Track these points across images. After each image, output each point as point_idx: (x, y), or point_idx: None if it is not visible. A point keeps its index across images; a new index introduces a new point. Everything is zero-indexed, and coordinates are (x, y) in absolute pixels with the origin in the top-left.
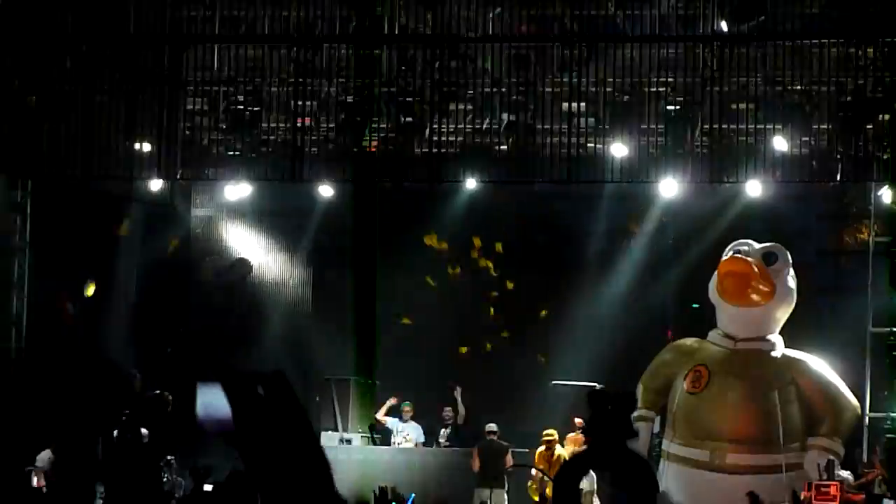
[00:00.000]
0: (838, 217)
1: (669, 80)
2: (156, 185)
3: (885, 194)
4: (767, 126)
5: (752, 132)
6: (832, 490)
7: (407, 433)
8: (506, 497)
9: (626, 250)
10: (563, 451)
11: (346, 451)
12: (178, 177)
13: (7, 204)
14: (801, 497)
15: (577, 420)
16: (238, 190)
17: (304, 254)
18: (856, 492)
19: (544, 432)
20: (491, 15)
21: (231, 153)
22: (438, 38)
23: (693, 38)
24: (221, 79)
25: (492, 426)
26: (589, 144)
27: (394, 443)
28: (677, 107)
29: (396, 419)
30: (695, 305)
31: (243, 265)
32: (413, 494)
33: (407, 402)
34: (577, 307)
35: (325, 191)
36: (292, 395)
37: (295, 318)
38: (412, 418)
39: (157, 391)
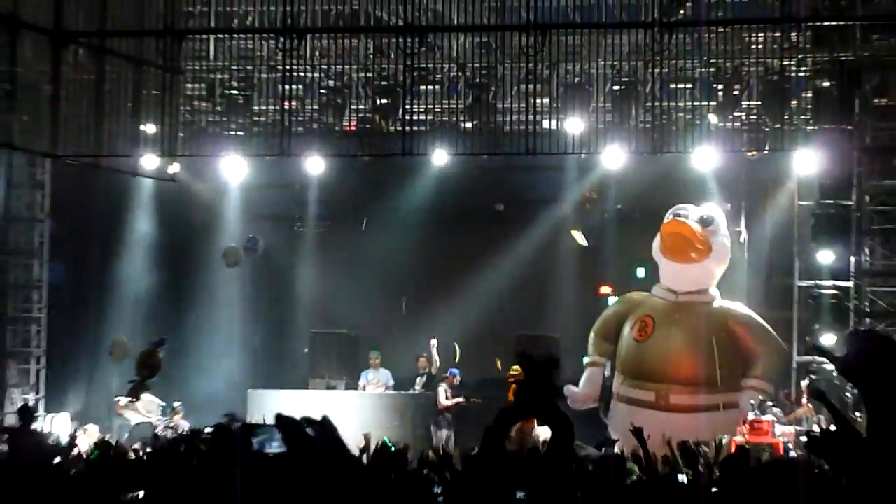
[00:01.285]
0: (768, 183)
1: (615, 63)
2: (159, 162)
3: (808, 162)
4: (703, 103)
5: (689, 109)
6: (765, 426)
7: (377, 380)
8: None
9: (578, 216)
10: None
11: (332, 395)
12: (179, 154)
13: (29, 181)
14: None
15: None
16: (236, 166)
17: (293, 221)
18: (786, 426)
19: (510, 370)
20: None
21: (226, 133)
22: (410, 28)
23: (635, 25)
24: (216, 67)
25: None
26: (545, 122)
27: (360, 387)
28: (622, 87)
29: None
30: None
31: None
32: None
33: (375, 350)
34: (529, 265)
35: (315, 166)
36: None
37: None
38: (381, 366)
39: None
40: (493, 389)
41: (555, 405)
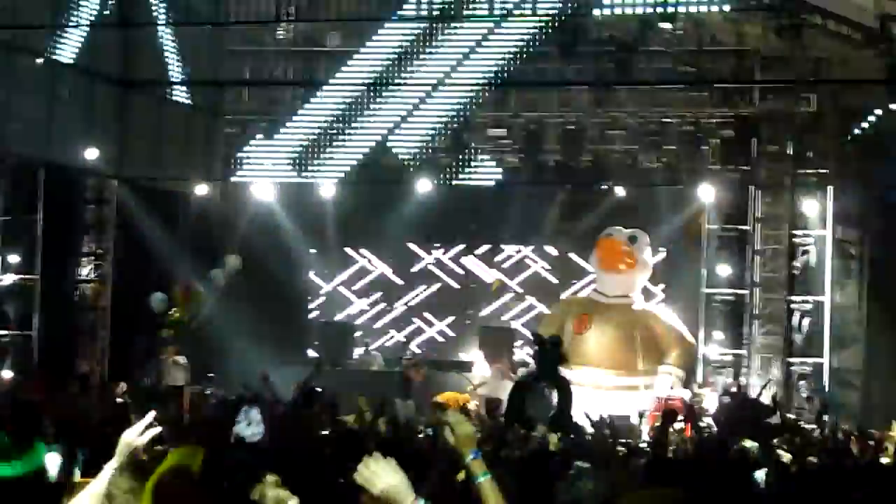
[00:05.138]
0: (683, 211)
1: (564, 112)
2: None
3: (713, 194)
4: (633, 147)
5: (621, 151)
6: (676, 402)
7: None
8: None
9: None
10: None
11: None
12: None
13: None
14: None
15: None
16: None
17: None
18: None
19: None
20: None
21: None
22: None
23: (582, 83)
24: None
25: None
26: (508, 158)
27: None
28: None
29: None
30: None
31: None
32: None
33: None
34: None
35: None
36: None
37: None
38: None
39: None
40: None
41: (560, 374)
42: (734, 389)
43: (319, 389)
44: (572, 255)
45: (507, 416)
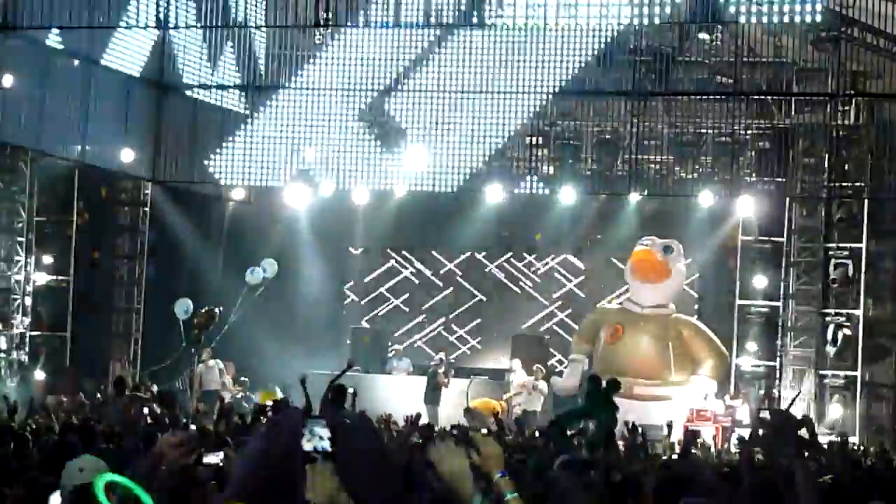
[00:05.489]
0: (718, 222)
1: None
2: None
3: (749, 206)
4: (670, 157)
5: (657, 161)
6: (708, 413)
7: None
8: (438, 412)
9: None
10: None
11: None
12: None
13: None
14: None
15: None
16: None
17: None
18: (724, 416)
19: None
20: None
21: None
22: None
23: (618, 94)
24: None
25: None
26: (543, 167)
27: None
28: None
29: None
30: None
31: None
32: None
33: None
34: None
35: (360, 196)
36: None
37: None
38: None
39: None
40: None
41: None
42: (768, 403)
43: (351, 390)
44: (608, 263)
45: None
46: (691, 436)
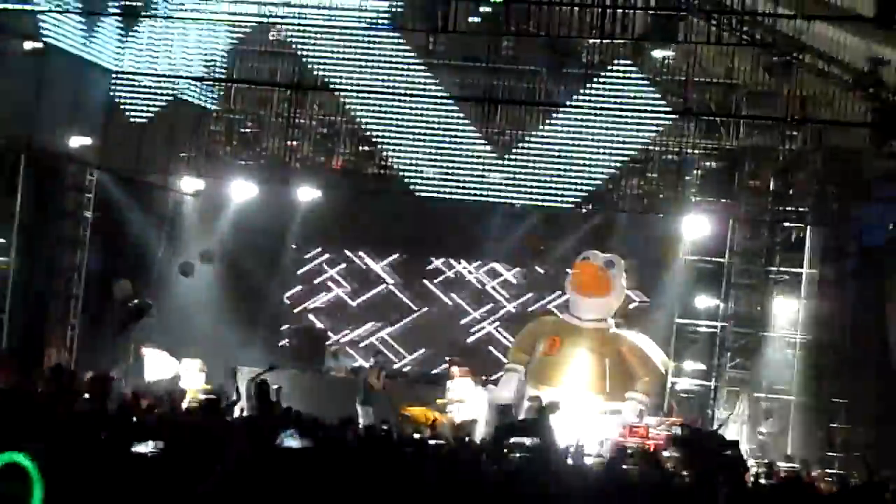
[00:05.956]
0: (662, 239)
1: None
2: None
3: (694, 226)
4: (615, 172)
5: (604, 175)
6: (642, 430)
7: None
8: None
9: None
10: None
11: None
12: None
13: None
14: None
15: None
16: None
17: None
18: (658, 433)
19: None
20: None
21: (241, 162)
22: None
23: (556, 105)
24: (235, 110)
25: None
26: (491, 174)
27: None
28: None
29: None
30: None
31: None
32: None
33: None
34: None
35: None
36: None
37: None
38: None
39: None
40: None
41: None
42: (689, 422)
43: (276, 387)
44: (549, 275)
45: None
46: (621, 449)
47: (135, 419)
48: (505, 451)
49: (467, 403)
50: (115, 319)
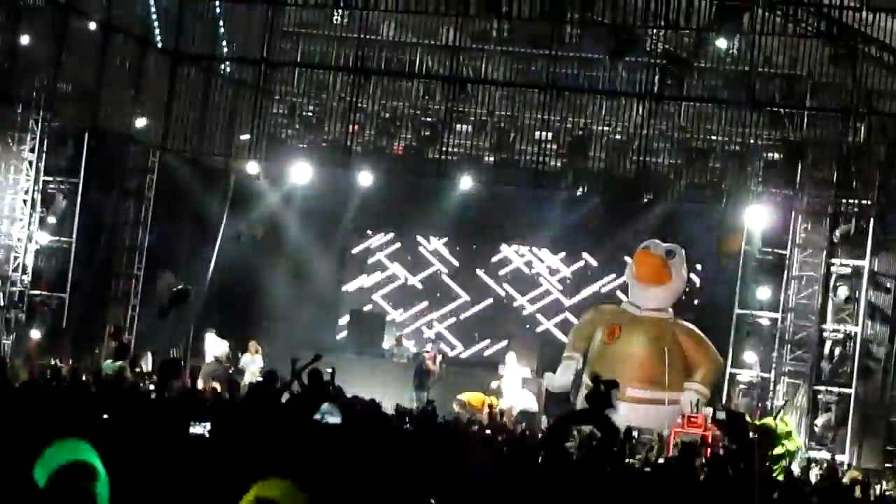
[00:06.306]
0: (723, 230)
1: (610, 123)
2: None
3: (755, 215)
4: (678, 161)
5: (666, 165)
6: (699, 420)
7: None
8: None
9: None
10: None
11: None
12: (265, 159)
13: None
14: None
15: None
16: (303, 173)
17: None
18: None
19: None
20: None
21: (300, 145)
22: (452, 78)
23: (630, 95)
24: (299, 93)
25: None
26: (551, 162)
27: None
28: (616, 142)
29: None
30: None
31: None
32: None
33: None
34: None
35: (365, 178)
36: None
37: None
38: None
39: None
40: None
41: (608, 417)
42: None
43: (329, 369)
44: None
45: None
46: (691, 450)
47: (192, 401)
48: (564, 440)
49: (519, 390)
50: (158, 304)
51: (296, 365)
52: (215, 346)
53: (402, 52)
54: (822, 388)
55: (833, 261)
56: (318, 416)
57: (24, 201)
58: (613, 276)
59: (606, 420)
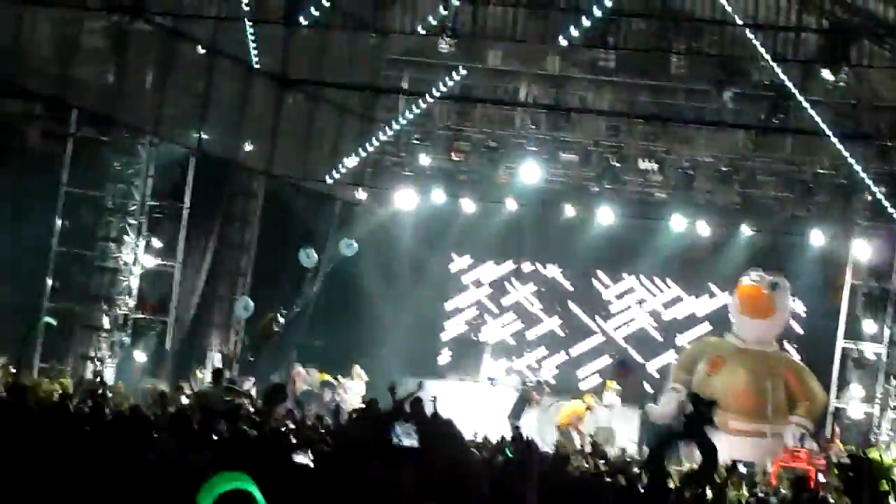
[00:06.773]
0: (827, 262)
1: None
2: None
3: (860, 247)
4: (783, 194)
5: (772, 196)
6: (802, 455)
7: None
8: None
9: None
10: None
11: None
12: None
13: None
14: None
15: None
16: (408, 199)
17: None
18: (819, 458)
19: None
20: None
21: (405, 173)
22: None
23: (735, 126)
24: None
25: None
26: (656, 192)
27: None
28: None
29: None
30: None
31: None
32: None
33: None
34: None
35: (468, 205)
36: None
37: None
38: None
39: None
40: None
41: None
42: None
43: (433, 397)
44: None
45: (647, 466)
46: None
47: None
48: (664, 470)
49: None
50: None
51: (395, 393)
52: (305, 378)
53: (508, 80)
54: None
55: None
56: (394, 439)
57: (131, 224)
58: (714, 307)
59: (706, 437)
